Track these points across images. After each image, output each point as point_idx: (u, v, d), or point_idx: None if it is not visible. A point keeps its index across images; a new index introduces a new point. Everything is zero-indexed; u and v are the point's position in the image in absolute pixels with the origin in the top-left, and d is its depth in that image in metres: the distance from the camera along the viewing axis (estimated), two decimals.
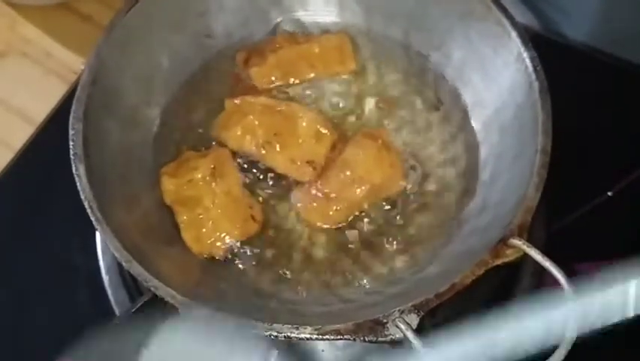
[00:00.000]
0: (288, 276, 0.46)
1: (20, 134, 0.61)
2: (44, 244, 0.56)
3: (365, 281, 0.46)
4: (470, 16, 0.48)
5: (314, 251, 0.48)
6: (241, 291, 0.45)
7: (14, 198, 0.59)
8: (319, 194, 0.48)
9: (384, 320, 0.37)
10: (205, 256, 0.46)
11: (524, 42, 0.46)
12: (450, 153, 0.50)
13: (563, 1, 0.62)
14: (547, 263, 0.38)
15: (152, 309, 0.46)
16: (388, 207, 0.49)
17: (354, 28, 0.53)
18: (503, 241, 0.39)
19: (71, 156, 0.43)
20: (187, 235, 0.47)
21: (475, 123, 0.49)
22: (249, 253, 0.47)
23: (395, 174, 0.48)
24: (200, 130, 0.51)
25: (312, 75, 0.52)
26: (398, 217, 0.48)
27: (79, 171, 0.42)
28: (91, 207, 0.41)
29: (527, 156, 0.43)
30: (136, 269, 0.39)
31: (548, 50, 0.59)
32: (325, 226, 0.48)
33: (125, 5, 0.48)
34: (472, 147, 0.49)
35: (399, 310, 0.37)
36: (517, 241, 0.39)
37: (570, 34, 0.63)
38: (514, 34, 0.46)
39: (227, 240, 0.46)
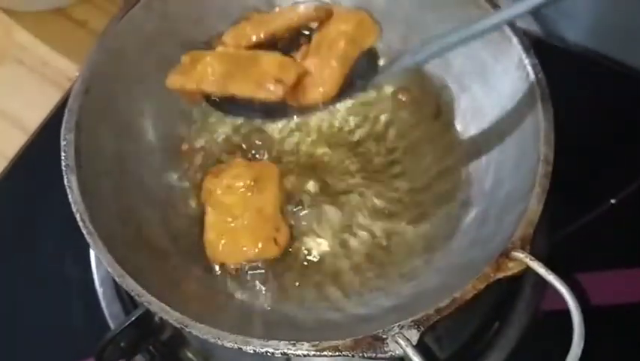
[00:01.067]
0: (287, 289, 0.45)
1: (14, 143, 0.61)
2: (38, 255, 0.55)
3: (364, 293, 0.45)
4: (469, 22, 0.47)
5: (312, 262, 0.47)
6: (237, 305, 0.44)
7: (8, 207, 0.58)
8: (310, 74, 0.46)
9: (384, 336, 0.36)
10: (216, 264, 0.46)
11: (525, 48, 0.45)
12: (450, 161, 0.49)
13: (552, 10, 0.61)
14: (550, 277, 0.37)
15: (146, 322, 0.46)
16: (388, 218, 0.48)
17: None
18: (505, 254, 0.38)
19: (63, 167, 0.42)
20: (208, 237, 0.46)
21: (476, 131, 0.49)
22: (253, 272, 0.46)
23: (365, 20, 0.47)
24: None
25: None
26: (398, 229, 0.47)
27: (71, 183, 0.42)
28: (83, 219, 0.41)
29: (529, 165, 0.42)
30: (129, 284, 0.39)
31: (550, 56, 0.58)
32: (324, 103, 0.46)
33: (118, 13, 0.47)
34: (472, 156, 0.48)
35: (398, 326, 0.37)
36: (519, 254, 0.38)
37: (569, 36, 0.63)
38: (514, 40, 0.45)
39: (243, 256, 0.45)
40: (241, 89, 0.44)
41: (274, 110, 0.45)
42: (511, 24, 0.46)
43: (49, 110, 0.62)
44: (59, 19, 0.67)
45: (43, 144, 0.60)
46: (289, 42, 0.48)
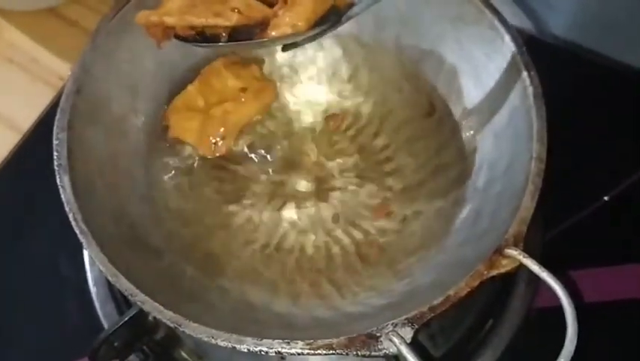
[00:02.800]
0: (280, 286, 0.45)
1: (7, 142, 0.61)
2: (31, 254, 0.55)
3: (358, 292, 0.45)
4: (462, 20, 0.47)
5: (306, 261, 0.47)
6: (231, 304, 0.44)
7: (1, 207, 0.58)
8: (279, 16, 0.42)
9: (378, 334, 0.36)
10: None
11: (518, 46, 0.45)
12: (443, 159, 0.49)
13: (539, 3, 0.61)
14: (544, 274, 0.37)
15: (140, 322, 0.46)
16: (381, 216, 0.48)
17: (345, 34, 0.52)
18: (498, 252, 0.38)
19: (55, 167, 0.42)
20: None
21: (469, 129, 0.48)
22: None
23: None
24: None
25: None
26: (391, 226, 0.47)
27: (63, 182, 0.41)
28: (75, 219, 0.40)
29: (522, 163, 0.42)
30: (122, 283, 0.38)
31: (542, 54, 0.58)
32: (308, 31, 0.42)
33: (109, 12, 0.47)
34: (465, 154, 0.48)
35: (392, 324, 0.36)
36: (512, 251, 0.38)
37: (562, 34, 0.63)
38: (507, 37, 0.45)
39: None
40: (198, 17, 0.41)
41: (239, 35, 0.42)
42: (504, 22, 0.46)
43: (41, 110, 0.62)
44: (50, 19, 0.67)
45: (36, 143, 0.60)
46: None
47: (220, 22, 0.40)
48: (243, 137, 0.50)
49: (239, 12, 0.40)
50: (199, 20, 0.41)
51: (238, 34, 0.41)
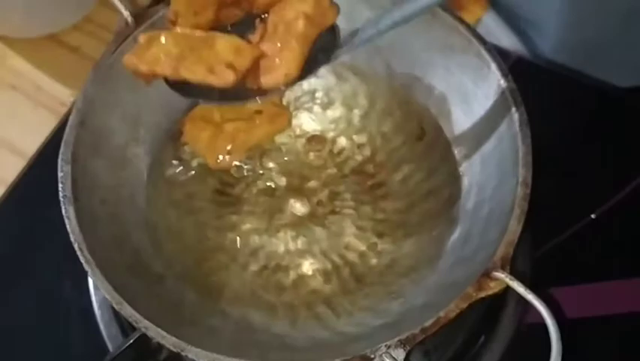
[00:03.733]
0: (278, 309, 0.47)
1: (11, 168, 0.62)
2: (37, 279, 0.56)
3: (352, 312, 0.47)
4: (451, 48, 0.49)
5: (303, 283, 0.48)
6: (231, 327, 0.45)
7: (6, 232, 0.59)
8: (268, 56, 0.43)
9: (372, 356, 0.38)
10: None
11: (504, 74, 0.46)
12: (434, 182, 0.50)
13: (532, 14, 0.63)
14: (529, 296, 0.39)
15: (144, 344, 0.47)
16: (375, 238, 0.49)
17: (339, 62, 0.53)
18: (486, 274, 0.40)
19: (60, 198, 0.43)
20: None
21: (458, 153, 0.50)
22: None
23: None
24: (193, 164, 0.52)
25: None
26: (385, 248, 0.49)
27: (68, 213, 0.43)
28: (80, 248, 0.42)
29: (509, 187, 0.43)
30: (127, 311, 0.40)
31: (531, 73, 0.60)
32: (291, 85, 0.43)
33: (111, 46, 0.48)
34: (455, 177, 0.50)
35: (385, 345, 0.38)
36: (499, 274, 0.40)
37: (545, 52, 0.64)
38: (493, 66, 0.47)
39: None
40: (192, 74, 0.42)
41: (233, 93, 0.43)
42: (490, 51, 0.47)
43: (45, 135, 0.63)
44: (52, 46, 0.69)
45: (40, 169, 0.61)
46: (245, 26, 0.45)
47: (215, 81, 0.41)
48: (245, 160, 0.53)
49: (233, 69, 0.41)
50: (194, 78, 0.42)
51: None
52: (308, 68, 0.42)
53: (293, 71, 0.42)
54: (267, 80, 0.42)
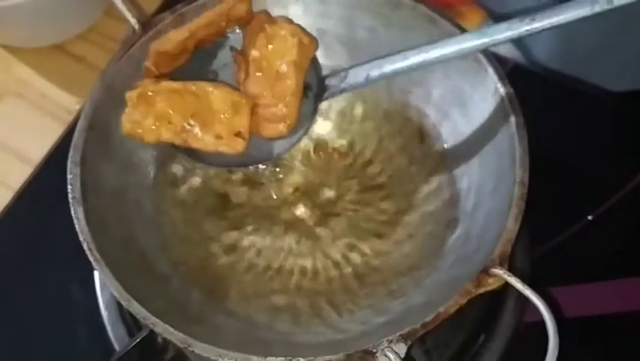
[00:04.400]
0: (282, 308, 0.48)
1: (18, 175, 0.63)
2: (44, 281, 0.57)
3: (354, 310, 0.48)
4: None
5: (306, 283, 0.49)
6: (236, 325, 0.47)
7: (14, 236, 0.61)
8: (262, 109, 0.45)
9: (374, 350, 0.39)
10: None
11: (501, 78, 0.47)
12: (433, 184, 0.52)
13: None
14: (527, 291, 0.40)
15: (149, 343, 0.48)
16: (376, 239, 0.50)
17: (339, 68, 0.54)
18: (485, 271, 0.41)
19: (70, 200, 0.44)
20: None
21: (457, 156, 0.51)
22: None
23: (303, 40, 0.45)
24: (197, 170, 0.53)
25: None
26: (386, 248, 0.50)
27: (77, 214, 0.44)
28: (90, 248, 0.43)
29: (506, 187, 0.44)
30: (135, 308, 0.41)
31: (528, 80, 0.62)
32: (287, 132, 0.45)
33: (117, 52, 0.50)
34: (454, 179, 0.51)
35: (387, 340, 0.39)
36: (498, 271, 0.40)
37: (543, 61, 0.66)
38: (490, 70, 0.48)
39: None
40: (203, 145, 0.44)
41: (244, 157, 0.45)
42: (488, 56, 0.48)
43: (51, 143, 0.64)
44: (58, 55, 0.70)
45: (46, 175, 0.63)
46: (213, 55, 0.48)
47: (225, 150, 0.44)
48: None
49: (242, 137, 0.44)
50: (202, 147, 0.44)
51: None
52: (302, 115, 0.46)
53: (293, 121, 0.45)
54: (269, 132, 0.45)
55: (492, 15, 0.67)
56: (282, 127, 0.45)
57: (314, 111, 0.47)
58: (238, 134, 0.44)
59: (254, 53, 0.45)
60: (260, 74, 0.45)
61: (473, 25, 0.65)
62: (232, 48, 0.47)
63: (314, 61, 0.47)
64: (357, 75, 0.46)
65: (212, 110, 0.44)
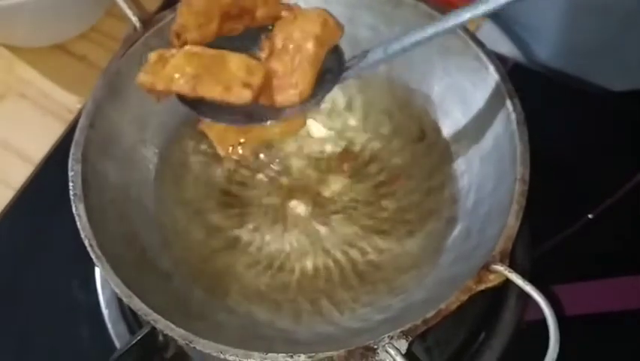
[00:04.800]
0: (283, 305, 0.48)
1: (19, 174, 0.64)
2: (45, 280, 0.58)
3: (355, 308, 0.48)
4: (449, 51, 0.50)
5: (307, 280, 0.49)
6: (237, 322, 0.47)
7: (15, 235, 0.61)
8: (280, 75, 0.45)
9: (375, 346, 0.39)
10: None
11: (502, 75, 0.48)
12: (435, 181, 0.52)
13: (530, 20, 0.64)
14: (527, 287, 0.40)
15: (150, 341, 0.48)
16: (377, 236, 0.51)
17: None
18: (486, 267, 0.41)
19: (71, 197, 0.45)
20: None
21: (457, 153, 0.51)
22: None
23: (329, 20, 0.46)
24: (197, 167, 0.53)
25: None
26: (386, 246, 0.50)
27: (79, 211, 0.44)
28: (91, 245, 0.43)
29: (507, 184, 0.44)
30: (136, 304, 0.41)
31: (528, 79, 0.62)
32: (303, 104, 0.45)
33: (119, 50, 0.50)
34: (454, 176, 0.51)
35: (388, 336, 0.39)
36: (498, 267, 0.41)
37: (544, 59, 0.66)
38: (491, 68, 0.48)
39: None
40: (210, 92, 0.44)
41: (250, 114, 0.45)
42: (488, 53, 0.49)
43: (53, 142, 0.65)
44: (59, 54, 0.70)
45: (47, 174, 0.63)
46: (248, 40, 0.47)
47: (232, 99, 0.43)
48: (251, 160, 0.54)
49: (249, 87, 0.43)
50: (210, 95, 0.43)
51: None
52: (319, 89, 0.45)
53: (306, 90, 0.44)
54: (281, 99, 0.45)
55: (491, 15, 0.67)
56: (293, 93, 0.44)
57: (330, 87, 0.46)
58: (245, 84, 0.44)
59: (279, 34, 0.46)
60: (284, 53, 0.45)
61: (472, 24, 0.65)
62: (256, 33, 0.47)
63: (337, 50, 0.47)
64: (375, 52, 0.46)
65: (226, 69, 0.44)
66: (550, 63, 0.65)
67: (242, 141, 0.50)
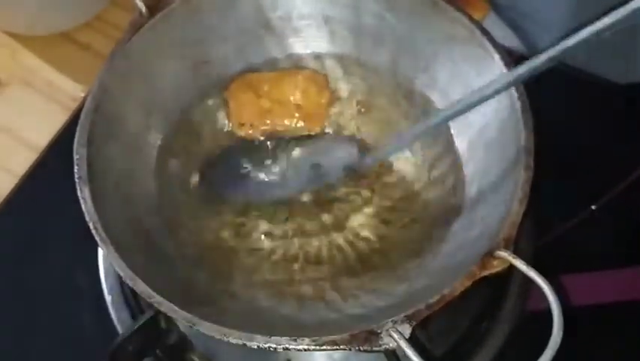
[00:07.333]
0: (286, 291, 0.48)
1: (23, 161, 0.64)
2: (48, 266, 0.58)
3: (359, 295, 0.47)
4: (454, 40, 0.50)
5: (310, 267, 0.49)
6: (240, 307, 0.47)
7: (18, 223, 0.61)
8: None
9: (379, 331, 0.39)
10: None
11: (507, 64, 0.48)
12: (438, 170, 0.52)
13: (541, 14, 0.64)
14: (531, 273, 0.39)
15: (153, 327, 0.48)
16: (381, 225, 0.51)
17: (346, 56, 0.55)
18: (490, 253, 0.41)
19: (76, 180, 0.45)
20: None
21: (461, 142, 0.51)
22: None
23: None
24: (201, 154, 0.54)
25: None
26: (390, 233, 0.50)
27: (84, 194, 0.44)
28: (95, 228, 0.43)
29: (512, 172, 0.44)
30: (139, 286, 0.41)
31: None
32: None
33: (125, 35, 0.50)
34: (458, 165, 0.51)
35: (392, 321, 0.39)
36: (503, 253, 0.41)
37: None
38: (497, 56, 0.48)
39: None
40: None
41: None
42: (493, 41, 0.49)
43: (56, 130, 0.65)
44: (64, 43, 0.70)
45: (51, 162, 0.63)
46: None
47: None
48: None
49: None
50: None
51: None
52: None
53: None
54: None
55: (495, 7, 0.67)
56: None
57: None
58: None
59: None
60: None
61: (479, 16, 0.65)
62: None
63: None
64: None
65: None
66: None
67: (254, 122, 0.51)
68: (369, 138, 0.55)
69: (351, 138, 0.53)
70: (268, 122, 0.53)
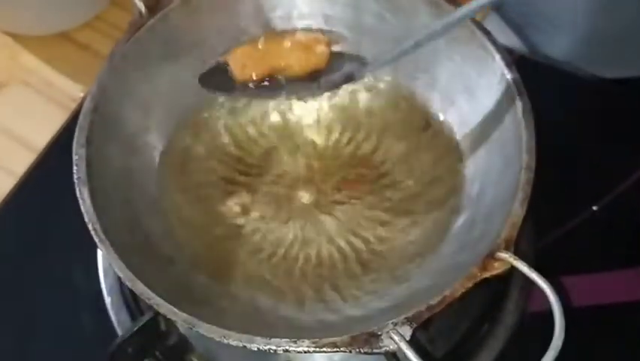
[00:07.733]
0: (286, 293, 0.48)
1: (22, 161, 0.63)
2: (47, 267, 0.57)
3: (359, 296, 0.47)
4: (455, 40, 0.50)
5: (310, 269, 0.49)
6: (240, 309, 0.46)
7: (17, 223, 0.61)
8: None
9: (379, 332, 0.39)
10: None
11: (507, 64, 0.47)
12: (439, 171, 0.51)
13: (543, 22, 0.64)
14: (533, 275, 0.39)
15: (152, 328, 0.48)
16: (381, 226, 0.50)
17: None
18: (491, 255, 0.41)
19: (75, 180, 0.44)
20: None
21: (462, 142, 0.51)
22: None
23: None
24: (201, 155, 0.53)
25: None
26: (390, 235, 0.50)
27: (83, 195, 0.44)
28: (94, 228, 0.43)
29: (512, 172, 0.44)
30: (139, 288, 0.41)
31: (534, 71, 0.61)
32: None
33: (124, 35, 0.50)
34: (459, 166, 0.51)
35: (392, 323, 0.39)
36: (504, 254, 0.40)
37: (548, 51, 0.66)
38: (497, 57, 0.48)
39: None
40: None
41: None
42: (494, 42, 0.48)
43: (55, 130, 0.64)
44: (63, 43, 0.70)
45: (50, 162, 0.63)
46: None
47: None
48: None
49: None
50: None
51: None
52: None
53: None
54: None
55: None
56: None
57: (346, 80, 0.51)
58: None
59: None
60: None
61: (479, 16, 0.64)
62: None
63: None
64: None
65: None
66: (567, 53, 0.65)
67: (255, 61, 0.52)
68: (370, 139, 0.54)
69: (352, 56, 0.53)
70: (268, 58, 0.53)
